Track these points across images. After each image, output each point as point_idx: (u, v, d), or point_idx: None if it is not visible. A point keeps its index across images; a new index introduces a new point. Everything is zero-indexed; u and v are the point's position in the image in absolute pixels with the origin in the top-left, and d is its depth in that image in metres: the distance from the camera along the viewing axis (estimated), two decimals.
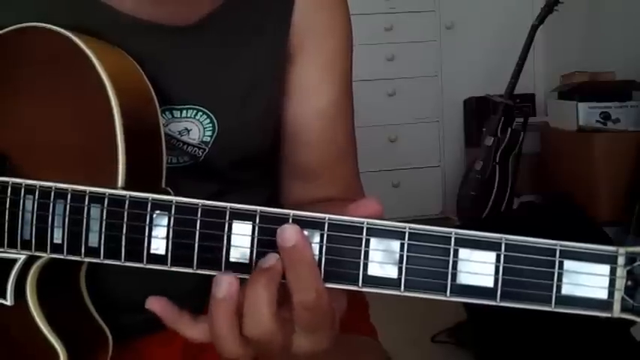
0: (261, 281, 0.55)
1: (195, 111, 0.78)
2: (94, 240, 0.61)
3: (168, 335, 0.82)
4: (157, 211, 0.59)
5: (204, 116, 0.79)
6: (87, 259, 0.62)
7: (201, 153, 0.80)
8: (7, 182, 0.65)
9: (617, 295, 0.50)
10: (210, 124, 0.79)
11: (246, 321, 0.56)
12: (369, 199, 0.56)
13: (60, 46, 0.67)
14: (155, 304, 0.60)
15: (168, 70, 0.76)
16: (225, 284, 0.55)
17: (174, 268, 0.59)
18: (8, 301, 0.66)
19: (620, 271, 0.50)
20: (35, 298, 0.66)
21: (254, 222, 0.56)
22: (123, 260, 0.60)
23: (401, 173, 3.66)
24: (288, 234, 0.53)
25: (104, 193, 0.60)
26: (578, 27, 3.39)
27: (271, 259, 0.55)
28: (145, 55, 0.73)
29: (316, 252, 0.55)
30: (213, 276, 0.57)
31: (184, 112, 0.78)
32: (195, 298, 0.84)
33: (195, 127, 0.79)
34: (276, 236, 0.54)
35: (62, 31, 0.67)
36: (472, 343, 2.19)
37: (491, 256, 0.52)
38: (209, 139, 0.80)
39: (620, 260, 0.50)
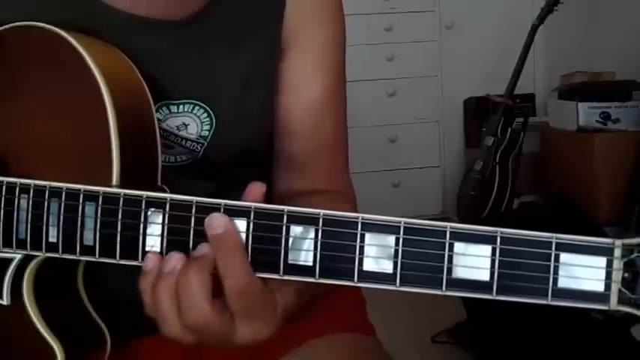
0: (193, 270, 0.57)
1: (192, 105, 0.79)
2: (89, 238, 0.61)
3: None
4: (152, 209, 0.59)
5: (202, 110, 0.79)
6: (82, 258, 0.62)
7: (199, 148, 0.81)
8: (2, 181, 0.65)
9: (614, 288, 0.50)
10: (208, 118, 0.79)
11: (182, 309, 0.58)
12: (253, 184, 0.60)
13: (54, 45, 0.67)
14: None
15: (164, 65, 0.76)
16: (172, 260, 0.57)
17: None
18: (4, 301, 0.66)
19: (617, 263, 0.50)
20: (32, 297, 0.67)
21: (249, 218, 0.56)
22: (118, 258, 0.60)
23: (401, 173, 3.66)
24: (217, 222, 0.56)
25: (98, 192, 0.60)
26: (578, 27, 3.39)
27: (204, 248, 0.57)
28: (141, 50, 0.73)
29: (311, 248, 0.55)
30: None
31: (181, 106, 0.78)
32: None
33: (192, 122, 0.79)
34: (204, 225, 0.56)
35: (56, 30, 0.67)
36: (472, 344, 2.19)
37: (486, 249, 0.52)
38: (207, 133, 0.80)
39: (617, 252, 0.50)
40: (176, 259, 0.58)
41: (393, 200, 3.54)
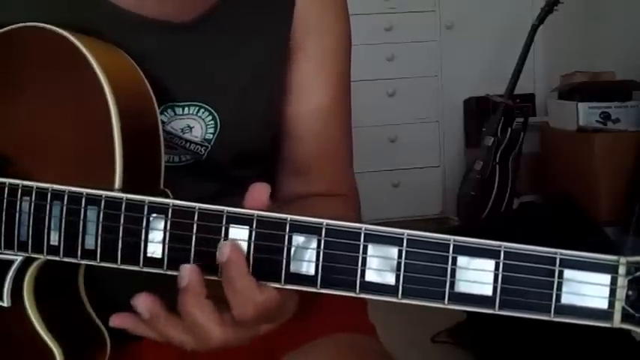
0: (189, 302, 0.57)
1: (197, 108, 0.78)
2: (90, 242, 0.61)
3: None
4: (154, 214, 0.58)
5: (206, 113, 0.79)
6: (83, 262, 0.62)
7: (203, 150, 0.80)
8: (5, 183, 0.65)
9: (618, 305, 0.50)
10: (213, 121, 0.79)
11: (195, 341, 0.59)
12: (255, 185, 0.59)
13: (58, 45, 0.67)
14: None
15: (170, 67, 0.76)
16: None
17: (170, 272, 0.59)
18: (5, 303, 0.66)
19: (621, 281, 0.50)
20: (32, 300, 0.66)
21: (251, 226, 0.56)
22: (119, 263, 0.60)
23: (401, 173, 3.66)
24: (224, 249, 0.56)
25: (101, 195, 0.60)
26: (578, 27, 3.39)
27: (183, 276, 0.57)
28: (147, 51, 0.73)
29: (313, 258, 0.55)
30: (213, 280, 0.58)
31: (186, 109, 0.78)
32: None
33: (197, 125, 0.79)
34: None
35: (59, 30, 0.67)
36: (471, 344, 2.19)
37: (490, 264, 0.52)
38: (211, 136, 0.80)
39: (621, 270, 0.50)
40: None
41: (393, 200, 3.54)
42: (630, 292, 0.49)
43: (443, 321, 2.29)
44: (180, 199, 0.59)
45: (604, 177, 2.76)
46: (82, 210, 0.61)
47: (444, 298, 0.53)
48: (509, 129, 3.07)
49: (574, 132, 2.91)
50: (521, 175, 3.16)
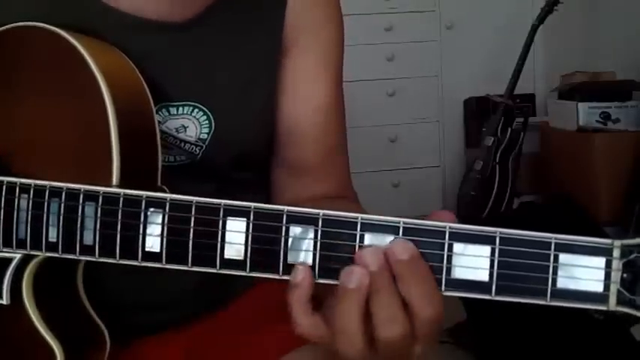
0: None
1: (191, 108, 0.78)
2: (88, 238, 0.61)
3: (168, 336, 0.82)
4: (152, 209, 0.59)
5: (201, 113, 0.79)
6: (82, 258, 0.62)
7: (198, 150, 0.80)
8: (2, 181, 0.65)
9: (613, 288, 0.50)
10: (207, 121, 0.79)
11: (377, 323, 0.55)
12: (444, 213, 0.55)
13: (55, 45, 0.67)
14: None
15: (165, 67, 0.76)
16: (357, 275, 0.53)
17: (168, 266, 0.59)
18: (4, 300, 0.66)
19: (616, 264, 0.50)
20: (31, 297, 0.66)
21: (248, 218, 0.56)
22: (118, 258, 0.60)
23: (401, 173, 3.66)
24: (402, 247, 0.53)
25: (98, 192, 0.61)
26: (578, 27, 3.39)
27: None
28: (142, 51, 0.73)
29: (310, 248, 0.55)
30: (212, 274, 0.58)
31: (181, 109, 0.78)
32: (195, 297, 0.84)
33: (191, 124, 0.79)
34: (388, 253, 0.53)
35: (57, 30, 0.67)
36: (472, 344, 2.19)
37: (486, 249, 0.52)
38: (206, 136, 0.80)
39: (616, 253, 0.50)
40: (361, 274, 0.54)
41: (393, 200, 3.54)
42: (625, 275, 0.49)
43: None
44: None
45: (604, 177, 2.76)
46: (80, 206, 0.61)
47: (440, 285, 0.53)
48: (509, 129, 3.07)
49: (574, 132, 2.91)
50: (521, 175, 3.16)
